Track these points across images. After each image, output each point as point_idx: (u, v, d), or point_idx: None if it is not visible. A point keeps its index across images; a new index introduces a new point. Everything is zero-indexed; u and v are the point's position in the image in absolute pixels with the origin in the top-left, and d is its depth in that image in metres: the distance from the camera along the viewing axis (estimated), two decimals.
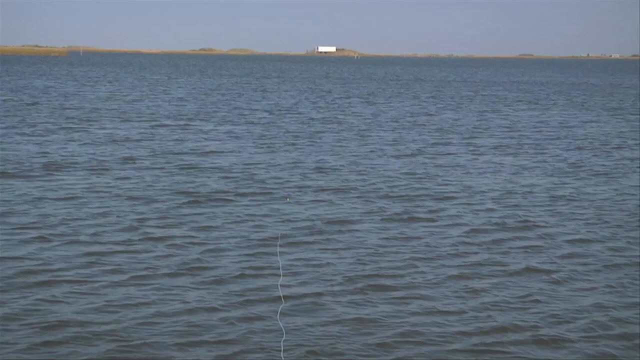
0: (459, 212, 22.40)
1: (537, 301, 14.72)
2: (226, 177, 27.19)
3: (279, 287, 14.39)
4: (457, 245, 18.63)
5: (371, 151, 35.31)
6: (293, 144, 37.28)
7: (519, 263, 17.24)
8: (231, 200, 23.20)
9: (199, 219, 20.63)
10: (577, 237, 19.82)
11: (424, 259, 17.41)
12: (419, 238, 19.21)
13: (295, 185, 26.09)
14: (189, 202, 22.85)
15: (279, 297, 14.19)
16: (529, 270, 16.69)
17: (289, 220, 20.70)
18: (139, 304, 14.02)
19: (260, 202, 22.97)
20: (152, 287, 15.03)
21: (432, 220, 21.28)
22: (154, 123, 45.90)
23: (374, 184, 26.67)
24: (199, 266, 16.41)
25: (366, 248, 18.15)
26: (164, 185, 25.26)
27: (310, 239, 18.89)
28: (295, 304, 14.17)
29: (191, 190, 24.55)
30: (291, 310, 13.76)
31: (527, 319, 13.77)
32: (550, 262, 17.41)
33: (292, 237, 18.87)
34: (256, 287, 15.11)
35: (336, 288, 15.16)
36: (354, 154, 34.29)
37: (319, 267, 16.51)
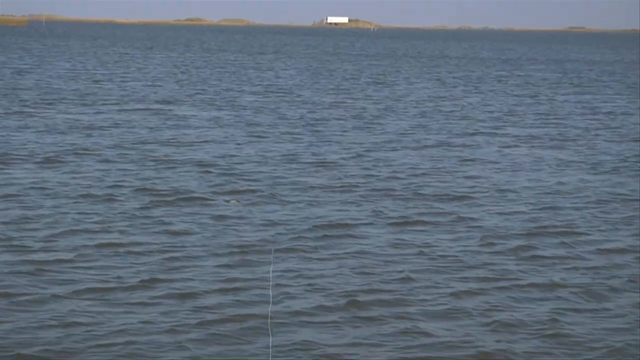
0: (481, 215, 22.48)
1: (557, 321, 14.79)
2: (206, 173, 27.30)
3: (269, 299, 14.44)
4: (473, 254, 18.75)
5: (383, 142, 35.39)
6: (289, 134, 37.39)
7: (543, 277, 17.33)
8: (210, 200, 23.29)
9: (170, 223, 20.75)
10: (619, 246, 19.90)
11: (433, 270, 17.52)
12: (431, 245, 19.33)
13: (290, 182, 26.19)
14: (159, 202, 22.97)
15: (261, 315, 14.30)
16: (554, 285, 16.76)
17: (279, 224, 20.81)
18: (91, 323, 14.13)
19: (245, 203, 23.03)
20: (108, 302, 15.14)
21: (449, 224, 21.40)
22: (124, 107, 46.03)
23: (383, 181, 26.77)
24: (165, 278, 16.51)
25: (369, 258, 18.26)
26: (131, 182, 25.37)
27: (303, 246, 19.01)
28: (282, 323, 14.24)
29: (163, 188, 24.67)
30: (276, 330, 13.79)
31: (542, 345, 13.84)
32: (583, 276, 17.50)
33: (281, 244, 18.97)
34: (233, 302, 15.21)
35: (329, 304, 15.27)
36: (362, 145, 34.37)
37: (312, 280, 16.61)
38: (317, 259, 18.10)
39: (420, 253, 18.73)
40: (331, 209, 22.75)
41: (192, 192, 24.27)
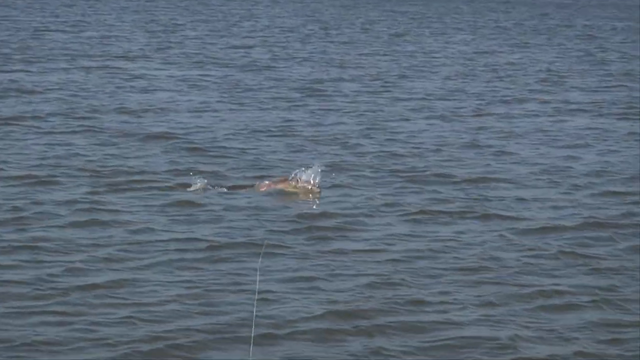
0: (527, 205, 22.55)
1: (595, 339, 14.83)
2: (175, 149, 27.35)
3: (253, 307, 14.51)
4: (506, 254, 18.80)
5: (404, 110, 35.62)
6: (285, 99, 37.54)
7: (591, 285, 17.31)
8: (177, 185, 23.30)
9: (122, 211, 20.87)
10: None
11: (452, 274, 17.57)
12: (452, 240, 19.47)
13: (281, 160, 26.26)
14: (110, 184, 23.11)
15: (229, 330, 14.48)
16: (597, 294, 16.72)
17: (261, 214, 20.95)
18: (7, 339, 14.06)
19: (224, 189, 23.09)
20: (33, 312, 15.10)
21: (484, 215, 21.44)
22: (74, 64, 46.08)
23: (399, 159, 26.95)
24: (109, 281, 16.51)
25: (372, 257, 18.35)
26: (78, 160, 25.48)
27: (296, 241, 19.16)
28: (259, 338, 14.27)
29: (117, 168, 24.81)
30: (262, 346, 13.89)
31: None
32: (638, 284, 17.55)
33: (269, 240, 19.01)
34: (197, 313, 15.28)
35: (320, 313, 15.37)
36: (378, 114, 34.57)
37: (300, 284, 16.73)
38: (308, 258, 18.19)
39: (437, 252, 18.76)
40: (337, 195, 22.88)
41: (153, 173, 24.36)
